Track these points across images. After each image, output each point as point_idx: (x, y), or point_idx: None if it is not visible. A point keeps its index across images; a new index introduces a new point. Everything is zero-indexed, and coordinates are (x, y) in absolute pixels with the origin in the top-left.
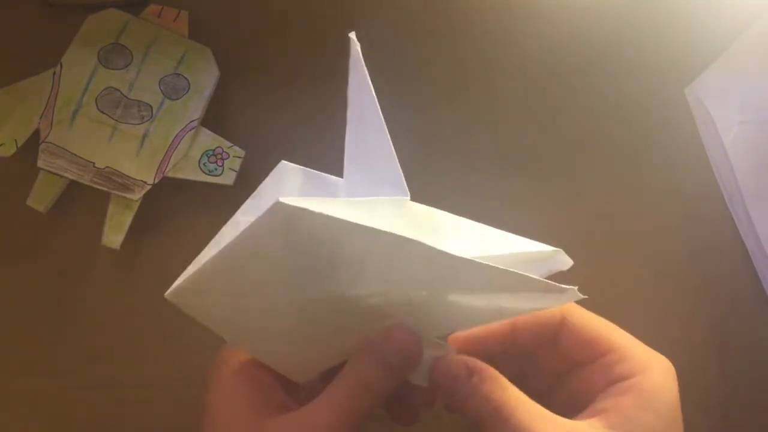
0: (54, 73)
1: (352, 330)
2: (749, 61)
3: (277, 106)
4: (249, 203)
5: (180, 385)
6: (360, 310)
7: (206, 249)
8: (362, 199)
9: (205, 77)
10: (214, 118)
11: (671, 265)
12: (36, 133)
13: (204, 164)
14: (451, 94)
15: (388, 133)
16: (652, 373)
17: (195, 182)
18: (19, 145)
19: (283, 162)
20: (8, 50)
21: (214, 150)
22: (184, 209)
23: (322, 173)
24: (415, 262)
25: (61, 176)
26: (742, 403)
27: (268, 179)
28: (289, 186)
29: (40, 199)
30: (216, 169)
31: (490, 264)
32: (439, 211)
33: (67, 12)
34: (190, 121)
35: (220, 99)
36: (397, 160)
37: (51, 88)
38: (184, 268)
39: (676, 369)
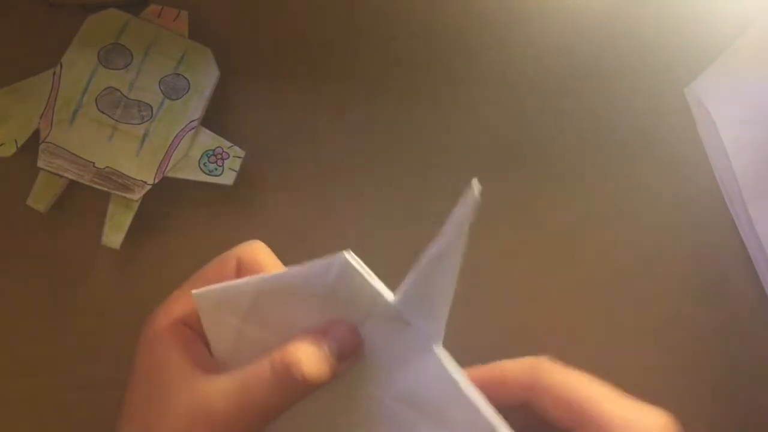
0: (54, 73)
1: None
2: (749, 61)
3: (277, 106)
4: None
5: None
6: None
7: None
8: (404, 309)
9: (205, 77)
10: (214, 118)
11: (671, 265)
12: (36, 133)
13: (204, 164)
14: (448, 95)
15: (455, 280)
16: None
17: (195, 182)
18: (19, 145)
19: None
20: (8, 50)
21: (214, 150)
22: (184, 209)
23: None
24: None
25: (61, 176)
26: (743, 403)
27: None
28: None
29: (40, 199)
30: (216, 169)
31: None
32: (457, 370)
33: (67, 12)
34: (190, 121)
35: (220, 99)
36: (447, 309)
37: (51, 88)
38: (183, 267)
39: (676, 369)
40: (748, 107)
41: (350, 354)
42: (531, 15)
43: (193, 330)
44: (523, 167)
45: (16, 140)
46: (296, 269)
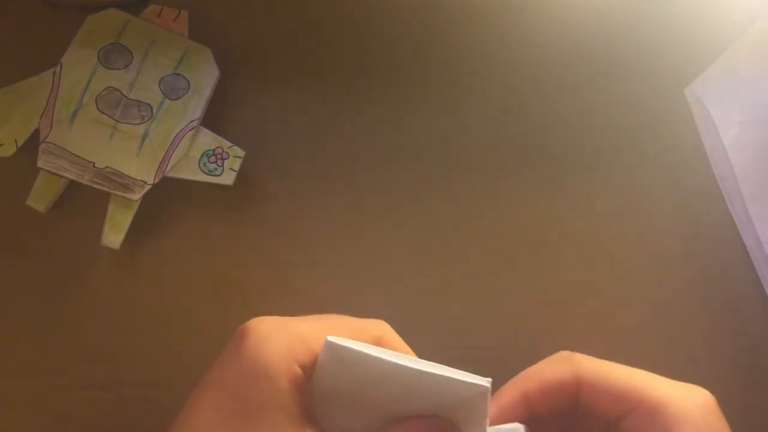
0: (54, 73)
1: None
2: (749, 60)
3: (277, 106)
4: None
5: (181, 385)
6: None
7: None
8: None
9: (205, 77)
10: (214, 118)
11: (671, 265)
12: (36, 133)
13: (204, 164)
14: (447, 94)
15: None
16: (689, 422)
17: (195, 182)
18: (19, 145)
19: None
20: (8, 50)
21: (214, 150)
22: (184, 209)
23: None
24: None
25: (61, 176)
26: (742, 403)
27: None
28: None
29: (40, 199)
30: (216, 169)
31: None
32: None
33: (67, 12)
34: (190, 121)
35: (220, 99)
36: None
37: (51, 88)
38: (183, 267)
39: (676, 369)
40: (748, 107)
41: None
42: (530, 16)
43: (306, 378)
44: (523, 167)
45: (16, 140)
46: (435, 369)
